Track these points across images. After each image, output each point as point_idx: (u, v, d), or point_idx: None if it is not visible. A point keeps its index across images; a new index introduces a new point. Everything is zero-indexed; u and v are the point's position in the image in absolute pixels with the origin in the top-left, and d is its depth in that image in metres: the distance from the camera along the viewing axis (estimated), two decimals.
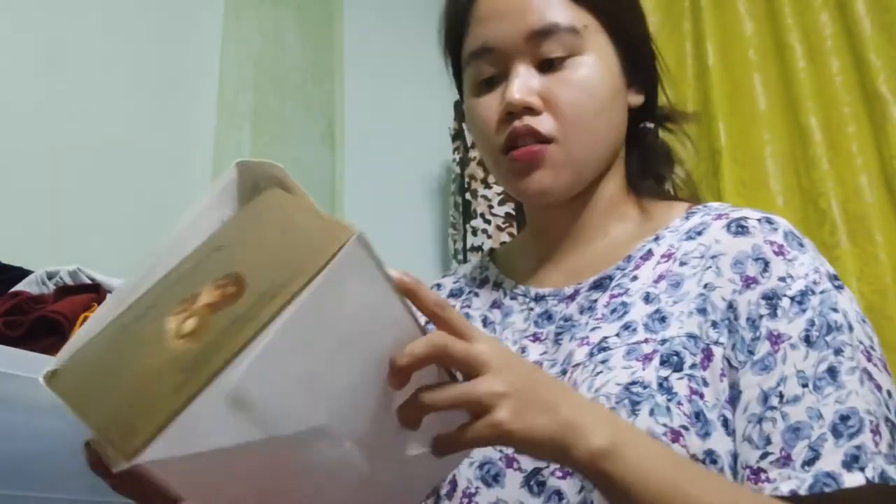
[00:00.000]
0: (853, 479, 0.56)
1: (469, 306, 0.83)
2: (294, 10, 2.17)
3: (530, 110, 0.71)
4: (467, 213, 2.03)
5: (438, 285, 0.90)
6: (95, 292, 1.12)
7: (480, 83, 0.75)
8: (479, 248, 1.97)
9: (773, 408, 0.61)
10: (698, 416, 0.62)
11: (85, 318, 1.05)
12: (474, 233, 2.00)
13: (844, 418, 0.59)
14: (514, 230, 1.97)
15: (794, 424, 0.60)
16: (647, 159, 0.81)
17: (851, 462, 0.57)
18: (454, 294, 0.87)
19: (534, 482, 0.65)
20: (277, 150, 2.00)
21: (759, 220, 0.69)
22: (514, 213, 1.97)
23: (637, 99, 0.77)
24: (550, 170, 0.71)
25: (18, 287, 1.13)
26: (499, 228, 1.98)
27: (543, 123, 0.71)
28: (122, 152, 1.65)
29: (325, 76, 2.25)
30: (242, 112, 1.94)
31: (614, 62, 0.74)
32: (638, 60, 0.77)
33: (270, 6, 2.08)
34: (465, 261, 2.06)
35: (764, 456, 0.60)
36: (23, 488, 0.92)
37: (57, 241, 1.44)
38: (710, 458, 0.61)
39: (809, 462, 0.58)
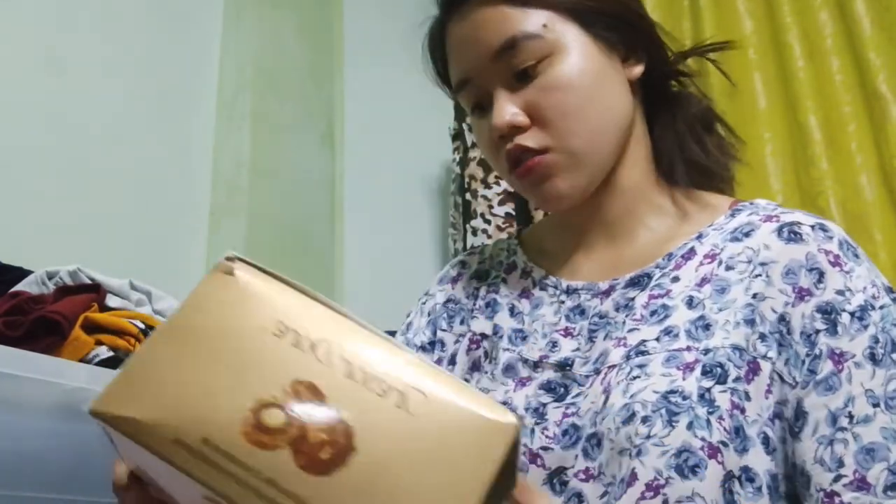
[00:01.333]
0: None
1: (497, 292, 0.80)
2: (294, 11, 2.17)
3: (518, 129, 0.70)
4: (467, 213, 2.03)
5: (463, 263, 0.87)
6: (95, 292, 1.12)
7: (473, 110, 0.75)
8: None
9: (843, 429, 0.59)
10: (738, 431, 0.59)
11: (85, 318, 1.05)
12: (474, 233, 2.00)
13: None
14: (513, 230, 1.97)
15: (867, 445, 0.57)
16: (679, 136, 0.76)
17: None
18: (479, 276, 0.84)
19: (556, 480, 0.63)
20: (277, 150, 2.01)
21: (812, 226, 0.66)
22: (513, 213, 1.97)
23: (637, 69, 0.74)
24: (558, 177, 0.70)
25: (18, 287, 1.13)
26: (499, 228, 1.98)
27: (530, 139, 0.70)
28: (122, 153, 1.65)
29: (324, 77, 2.25)
30: (242, 113, 1.95)
31: (589, 47, 0.71)
32: (620, 31, 0.73)
33: (270, 7, 2.08)
34: None
35: (837, 479, 0.58)
36: (22, 488, 0.92)
37: (57, 241, 1.44)
38: (747, 475, 0.59)
39: (892, 487, 0.56)
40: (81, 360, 1.02)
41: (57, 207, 1.48)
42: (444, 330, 0.82)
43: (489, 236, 1.97)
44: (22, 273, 1.17)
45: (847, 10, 1.77)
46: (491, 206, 2.00)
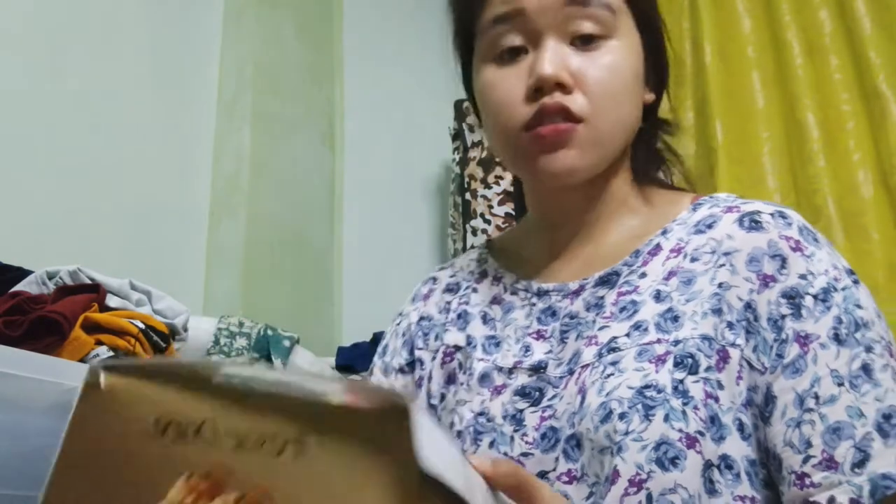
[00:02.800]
0: None
1: (467, 302, 0.80)
2: (293, 12, 2.17)
3: (561, 87, 0.67)
4: (467, 213, 2.03)
5: (434, 279, 0.87)
6: (95, 292, 1.12)
7: (503, 52, 0.70)
8: None
9: (810, 410, 0.59)
10: (713, 419, 0.60)
11: (85, 318, 1.05)
12: (474, 233, 2.00)
13: (887, 417, 0.57)
14: None
15: (833, 425, 0.58)
16: (652, 152, 0.78)
17: None
18: (450, 289, 0.84)
19: None
20: (277, 151, 2.01)
21: (772, 214, 0.67)
22: (513, 213, 1.97)
23: (650, 96, 0.75)
24: (577, 149, 0.68)
25: (18, 287, 1.13)
26: (498, 228, 1.98)
27: (576, 101, 0.67)
28: (123, 153, 1.65)
29: (324, 77, 2.25)
30: (242, 113, 1.95)
31: (640, 52, 0.71)
32: (656, 57, 0.74)
33: (270, 8, 2.08)
34: None
35: (806, 460, 0.58)
36: (23, 488, 0.92)
37: (57, 241, 1.44)
38: (725, 462, 0.60)
39: (859, 464, 0.56)
40: (81, 360, 1.02)
41: (57, 207, 1.48)
42: (420, 349, 0.81)
43: (489, 236, 1.97)
44: (22, 273, 1.17)
45: (846, 9, 1.78)
46: (491, 206, 2.01)
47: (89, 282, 1.15)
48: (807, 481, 0.58)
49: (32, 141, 1.48)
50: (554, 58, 0.67)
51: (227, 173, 1.90)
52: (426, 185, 2.36)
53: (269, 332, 1.57)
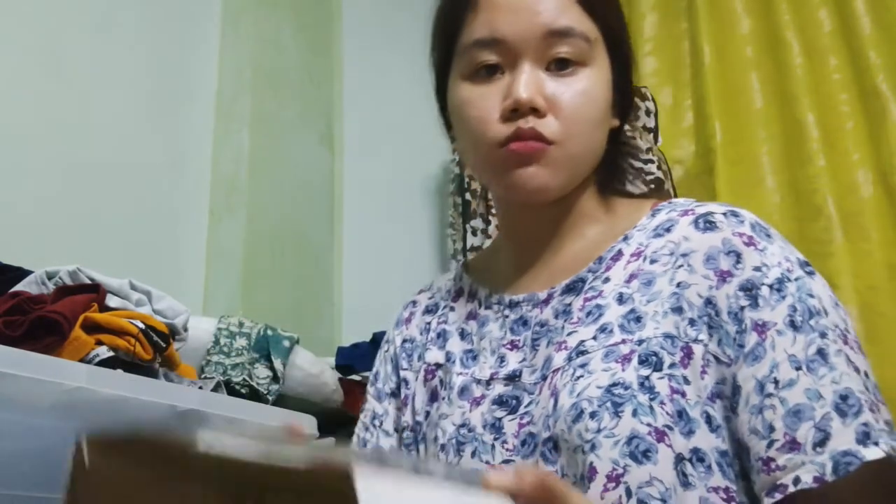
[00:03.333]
0: (872, 453, 0.57)
1: (445, 321, 0.84)
2: (292, 13, 2.17)
3: (535, 111, 0.71)
4: (466, 213, 2.03)
5: (414, 302, 0.90)
6: (95, 292, 1.12)
7: (480, 70, 0.74)
8: (478, 248, 1.97)
9: (770, 395, 0.61)
10: (681, 414, 0.62)
11: (85, 318, 1.05)
12: (474, 233, 2.00)
13: (844, 398, 0.59)
14: None
15: (793, 407, 0.60)
16: (616, 170, 0.82)
17: (864, 438, 0.57)
18: (430, 310, 0.87)
19: None
20: (276, 152, 2.01)
21: (724, 213, 0.70)
22: None
23: (615, 122, 0.79)
24: (547, 168, 0.71)
25: (18, 287, 1.13)
26: (498, 228, 1.98)
27: (548, 126, 0.71)
28: (122, 153, 1.65)
29: (323, 78, 2.25)
30: (241, 114, 1.95)
31: (610, 81, 0.75)
32: (623, 87, 0.78)
33: (268, 9, 2.09)
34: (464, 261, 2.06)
35: (770, 444, 0.60)
36: (23, 488, 0.92)
37: (57, 241, 1.44)
38: (697, 455, 0.62)
39: (820, 443, 0.58)
40: (81, 360, 1.02)
41: (57, 207, 1.48)
42: (405, 369, 0.85)
43: (489, 236, 1.97)
44: (22, 273, 1.17)
45: (845, 8, 1.78)
46: (490, 207, 2.01)
47: (89, 282, 1.15)
48: (772, 465, 0.60)
49: (32, 141, 1.48)
50: (530, 83, 0.71)
51: (226, 174, 1.91)
52: (426, 185, 2.36)
53: (269, 332, 1.57)
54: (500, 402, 0.72)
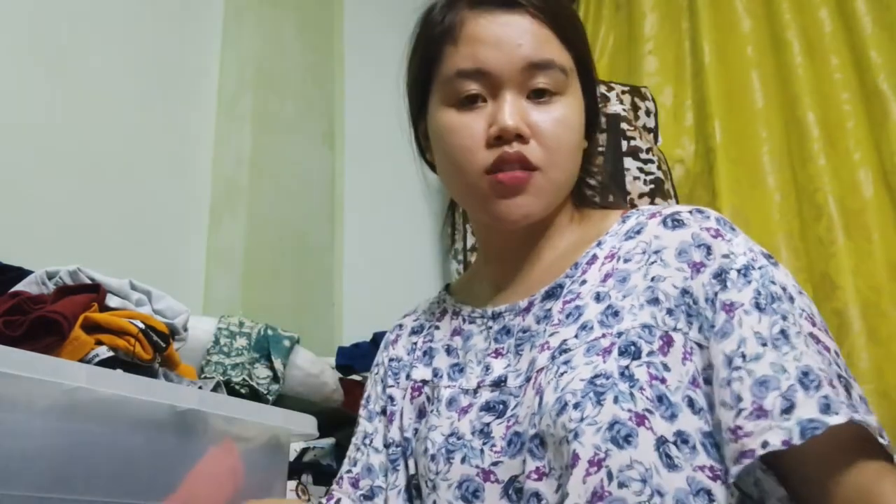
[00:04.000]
0: (835, 420, 0.59)
1: (431, 340, 0.87)
2: (294, 11, 2.17)
3: (520, 137, 0.74)
4: (466, 213, 2.03)
5: (400, 325, 0.94)
6: (95, 292, 1.12)
7: (462, 100, 0.77)
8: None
9: (737, 368, 0.64)
10: (661, 399, 0.65)
11: (85, 318, 1.05)
12: (474, 233, 2.00)
13: (805, 374, 0.62)
14: None
15: (760, 378, 0.62)
16: (586, 186, 0.87)
17: (825, 409, 0.60)
18: (415, 331, 0.91)
19: (512, 490, 0.68)
20: (277, 150, 2.01)
21: (690, 211, 0.74)
22: None
23: (584, 143, 0.83)
24: (532, 196, 0.75)
25: (18, 287, 1.13)
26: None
27: (532, 151, 0.74)
28: (123, 152, 1.65)
29: (325, 76, 2.25)
30: (242, 112, 1.95)
31: (582, 106, 0.80)
32: (592, 109, 0.83)
33: (270, 7, 2.08)
34: (464, 261, 2.06)
35: (738, 413, 0.62)
36: (22, 488, 0.92)
37: (57, 241, 1.44)
38: (681, 438, 0.64)
39: (787, 410, 0.60)
40: (81, 360, 1.02)
41: (57, 207, 1.48)
42: (391, 386, 0.88)
43: None
44: (22, 273, 1.17)
45: (846, 8, 1.78)
46: None
47: (89, 282, 1.15)
48: (739, 433, 0.61)
49: (32, 141, 1.48)
50: (514, 111, 0.75)
51: (227, 173, 1.90)
52: (426, 185, 2.36)
53: (269, 332, 1.57)
54: (487, 408, 0.74)
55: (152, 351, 1.11)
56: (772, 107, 1.85)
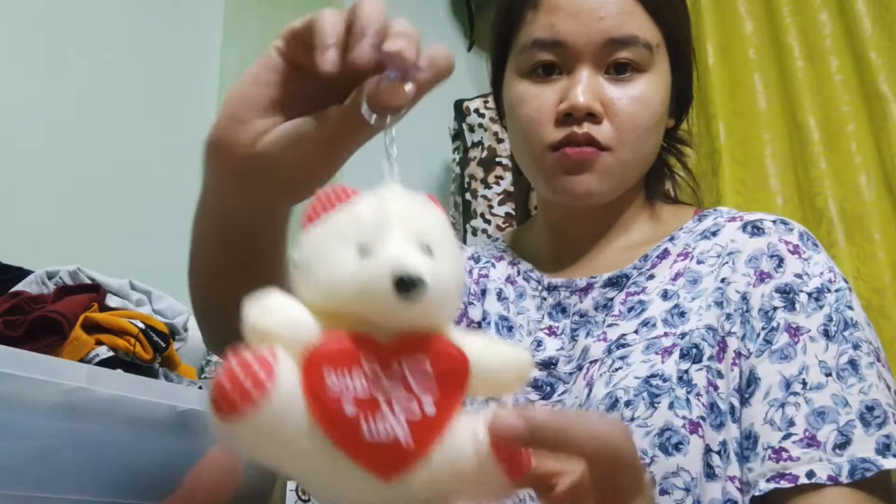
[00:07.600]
0: (889, 463, 0.57)
1: (487, 276, 0.82)
2: (295, 11, 2.16)
3: (591, 116, 0.70)
4: (467, 213, 2.03)
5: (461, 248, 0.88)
6: (95, 292, 1.12)
7: (537, 69, 0.73)
8: None
9: (795, 393, 0.62)
10: (713, 407, 0.63)
11: (85, 318, 1.05)
12: (474, 233, 2.00)
13: (870, 409, 0.60)
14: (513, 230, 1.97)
15: (818, 409, 0.60)
16: (664, 170, 0.83)
17: (884, 449, 0.58)
18: (473, 258, 0.86)
19: None
20: None
21: (774, 221, 0.71)
22: (513, 213, 1.97)
23: (670, 122, 0.79)
24: (599, 174, 0.71)
25: (18, 287, 1.13)
26: (499, 228, 1.98)
27: (602, 132, 0.70)
28: (123, 152, 1.65)
29: None
30: None
31: (669, 84, 0.75)
32: (682, 88, 0.78)
33: (271, 6, 2.08)
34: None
35: (787, 437, 0.60)
36: (23, 488, 0.92)
37: (57, 241, 1.44)
38: (724, 448, 0.62)
39: (841, 446, 0.58)
40: (81, 360, 1.02)
41: (57, 207, 1.48)
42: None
43: (489, 236, 1.97)
44: (22, 273, 1.17)
45: (846, 10, 1.78)
46: (491, 206, 2.00)
47: (89, 282, 1.15)
48: (784, 455, 0.60)
49: (32, 141, 1.48)
50: (587, 88, 0.70)
51: None
52: (427, 185, 2.35)
53: None
54: (535, 385, 0.71)
55: (152, 351, 1.11)
56: (774, 109, 1.84)
